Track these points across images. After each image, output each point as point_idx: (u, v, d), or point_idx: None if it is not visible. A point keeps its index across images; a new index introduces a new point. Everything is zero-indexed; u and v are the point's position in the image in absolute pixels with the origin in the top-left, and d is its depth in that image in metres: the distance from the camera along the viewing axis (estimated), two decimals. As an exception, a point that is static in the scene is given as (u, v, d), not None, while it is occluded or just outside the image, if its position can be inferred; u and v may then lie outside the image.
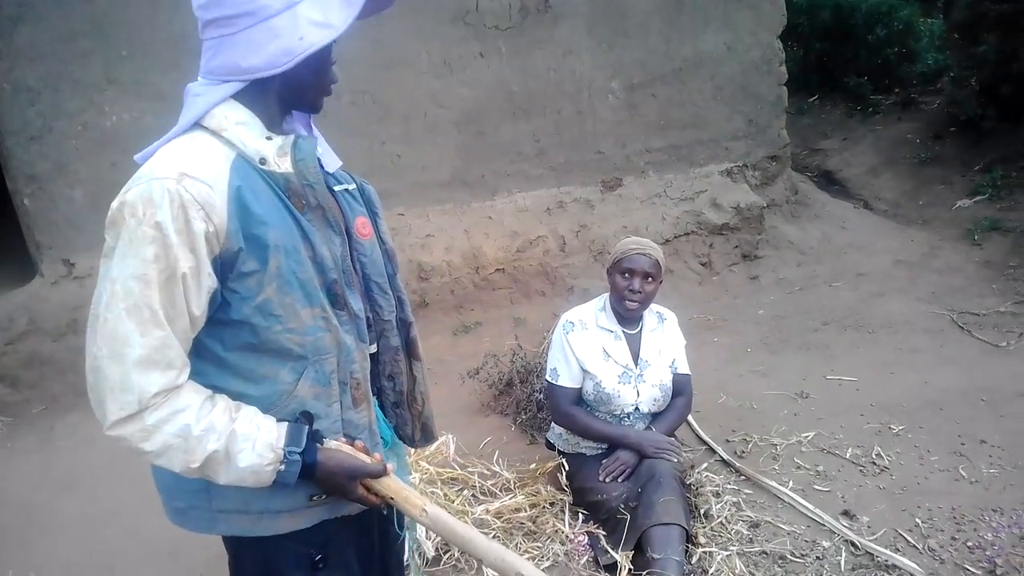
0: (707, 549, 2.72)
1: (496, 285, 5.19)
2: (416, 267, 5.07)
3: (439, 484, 3.02)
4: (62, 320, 4.43)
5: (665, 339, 3.07)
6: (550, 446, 3.24)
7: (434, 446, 3.19)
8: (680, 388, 3.08)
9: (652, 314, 3.09)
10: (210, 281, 1.26)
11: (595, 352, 2.97)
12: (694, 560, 2.67)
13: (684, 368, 3.10)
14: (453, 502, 2.95)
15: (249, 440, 1.29)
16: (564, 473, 3.05)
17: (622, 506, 2.77)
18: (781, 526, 2.88)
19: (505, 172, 5.38)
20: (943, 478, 3.11)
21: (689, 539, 2.69)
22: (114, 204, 1.24)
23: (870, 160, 7.60)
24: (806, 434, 3.47)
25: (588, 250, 5.38)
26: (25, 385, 4.34)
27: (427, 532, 2.73)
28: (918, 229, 6.28)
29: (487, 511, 2.90)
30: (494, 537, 2.82)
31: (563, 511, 2.98)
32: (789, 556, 2.71)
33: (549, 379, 3.04)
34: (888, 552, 2.65)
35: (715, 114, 5.74)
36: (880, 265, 5.61)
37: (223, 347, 1.33)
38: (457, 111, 5.16)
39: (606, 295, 3.05)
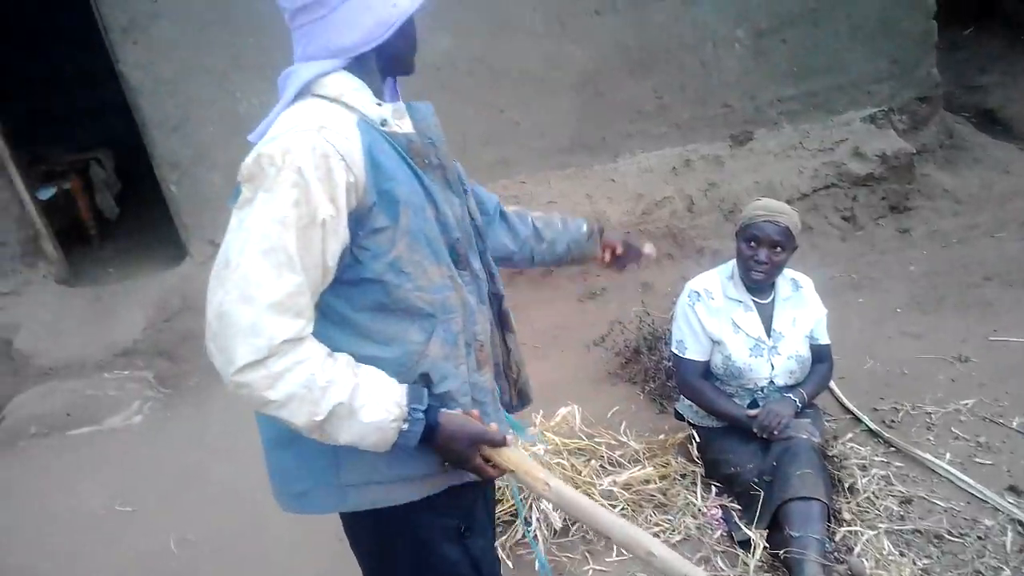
0: (852, 528, 2.53)
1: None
2: (539, 234, 5.01)
3: (564, 455, 2.97)
4: (210, 298, 4.71)
5: (801, 308, 2.86)
6: (679, 416, 3.12)
7: (559, 416, 3.14)
8: (820, 357, 2.89)
9: (786, 280, 2.88)
10: (345, 234, 1.25)
11: (724, 324, 2.80)
12: (837, 538, 2.50)
13: (824, 338, 2.90)
14: (580, 473, 2.90)
15: (373, 395, 1.26)
16: (695, 444, 2.94)
17: (755, 479, 2.63)
18: (937, 502, 2.65)
19: (627, 132, 5.20)
20: None
21: (831, 516, 2.52)
22: (248, 159, 1.23)
23: (1037, 95, 6.82)
24: (965, 401, 3.16)
25: (718, 209, 5.13)
26: (181, 359, 4.65)
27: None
28: (1096, 169, 5.58)
29: (614, 483, 2.83)
30: (622, 510, 2.76)
31: (695, 484, 2.87)
32: (946, 535, 2.49)
33: (675, 351, 2.91)
34: (1064, 534, 2.39)
35: (854, 56, 5.28)
36: (1051, 212, 5.03)
37: (351, 308, 1.32)
38: (574, 72, 5.02)
39: (734, 262, 2.86)
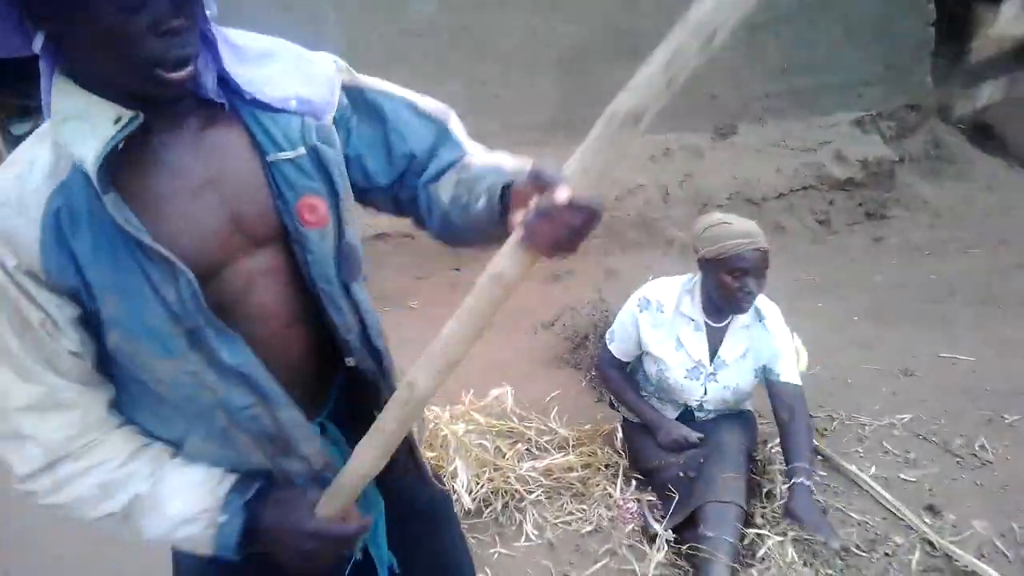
0: (760, 532, 2.52)
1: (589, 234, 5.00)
2: (510, 212, 4.96)
3: (489, 436, 2.94)
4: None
5: (757, 339, 2.66)
6: (613, 406, 3.10)
7: (491, 397, 3.10)
8: (783, 397, 2.58)
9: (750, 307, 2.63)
10: (70, 308, 1.00)
11: (667, 340, 2.69)
12: (745, 542, 2.49)
13: (788, 376, 2.60)
14: (504, 456, 2.88)
15: (185, 484, 1.09)
16: (622, 435, 2.92)
17: (681, 474, 2.60)
18: (852, 515, 2.62)
19: (608, 116, 5.12)
20: (1055, 480, 2.73)
21: (746, 520, 2.50)
22: None
23: (1037, 112, 6.72)
24: (902, 416, 3.13)
25: (693, 202, 5.08)
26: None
27: (467, 484, 2.68)
28: (1083, 192, 5.51)
29: (533, 468, 2.82)
30: (538, 496, 2.75)
31: (616, 475, 2.85)
32: (854, 549, 2.47)
33: (606, 337, 2.88)
34: (969, 557, 2.36)
35: (847, 56, 5.21)
36: (1027, 232, 4.97)
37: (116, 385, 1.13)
38: (560, 49, 4.95)
39: (697, 277, 2.69)
